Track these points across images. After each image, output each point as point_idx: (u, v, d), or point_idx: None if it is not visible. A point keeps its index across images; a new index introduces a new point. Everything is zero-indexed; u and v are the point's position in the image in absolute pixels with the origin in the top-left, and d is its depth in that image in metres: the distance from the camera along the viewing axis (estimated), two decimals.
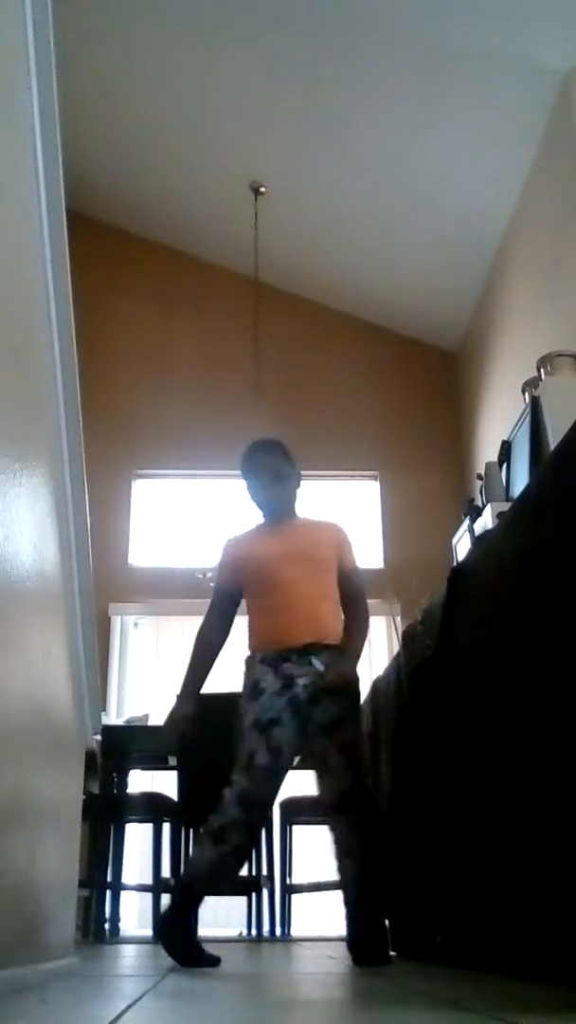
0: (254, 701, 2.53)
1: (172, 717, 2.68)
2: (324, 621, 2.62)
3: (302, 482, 2.88)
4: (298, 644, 2.56)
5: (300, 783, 4.71)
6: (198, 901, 2.46)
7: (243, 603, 2.77)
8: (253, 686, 2.56)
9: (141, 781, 5.09)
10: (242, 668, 2.66)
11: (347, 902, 2.49)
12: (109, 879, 3.97)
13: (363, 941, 2.40)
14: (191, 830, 4.06)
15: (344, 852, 2.47)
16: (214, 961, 2.29)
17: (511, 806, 1.80)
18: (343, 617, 2.69)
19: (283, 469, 2.80)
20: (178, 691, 2.71)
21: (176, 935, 2.38)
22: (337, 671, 2.52)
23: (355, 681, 2.58)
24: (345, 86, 5.40)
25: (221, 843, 2.39)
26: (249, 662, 2.64)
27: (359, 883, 2.47)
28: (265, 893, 4.17)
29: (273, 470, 2.78)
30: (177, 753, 3.90)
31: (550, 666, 1.62)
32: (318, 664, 2.55)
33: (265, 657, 2.59)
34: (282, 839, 4.28)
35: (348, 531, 2.83)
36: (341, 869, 2.49)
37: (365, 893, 2.47)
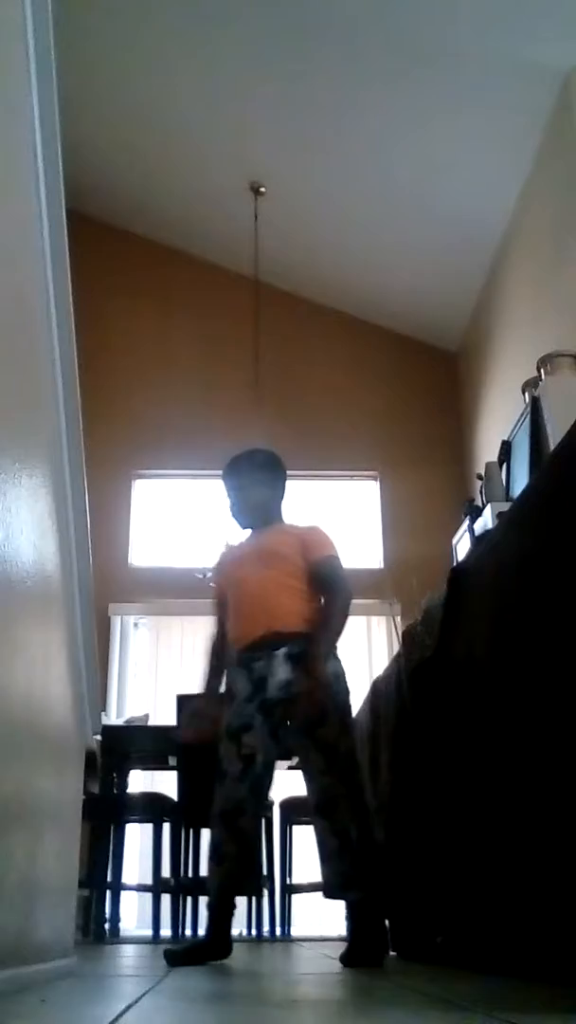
0: (228, 707, 2.58)
1: (195, 713, 2.72)
2: (278, 611, 2.60)
3: (286, 487, 2.91)
4: (256, 636, 2.59)
5: (300, 783, 4.72)
6: (230, 913, 2.51)
7: None
8: (228, 691, 2.62)
9: (141, 781, 5.10)
10: None
11: (347, 908, 2.50)
12: (109, 879, 3.97)
13: (352, 942, 2.41)
14: (191, 830, 4.06)
15: (327, 855, 2.46)
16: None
17: (511, 806, 1.80)
18: (318, 608, 2.66)
19: (240, 483, 2.83)
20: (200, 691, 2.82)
21: (219, 946, 2.46)
22: (305, 687, 2.47)
23: (322, 687, 2.48)
24: (345, 86, 5.40)
25: (222, 861, 2.45)
26: (229, 669, 2.70)
27: (348, 886, 2.45)
28: (265, 893, 4.17)
29: (234, 489, 2.84)
30: (179, 752, 3.90)
31: (550, 666, 1.62)
32: (281, 658, 2.55)
33: (239, 658, 2.63)
34: (282, 839, 4.29)
35: (323, 528, 2.82)
36: (324, 872, 2.50)
37: (358, 896, 2.46)
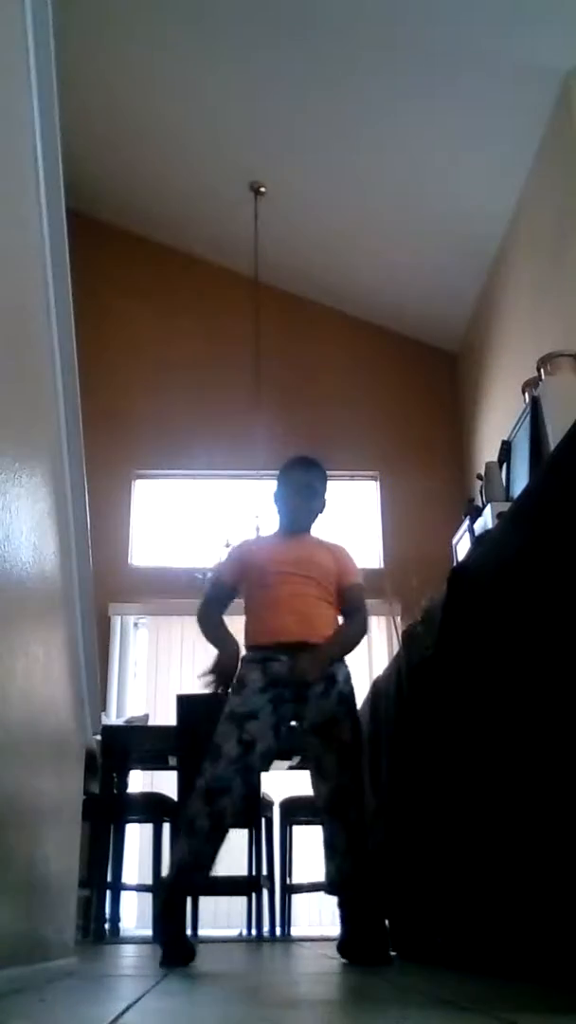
0: (236, 695, 2.60)
1: (221, 667, 2.68)
2: (317, 622, 2.69)
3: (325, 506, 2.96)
4: (286, 640, 2.63)
5: (300, 783, 4.71)
6: (182, 897, 2.51)
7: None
8: (239, 681, 2.63)
9: (141, 781, 5.10)
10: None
11: (341, 902, 2.51)
12: (109, 879, 3.97)
13: (359, 941, 2.43)
14: None
15: (336, 852, 2.50)
16: (189, 954, 2.33)
17: (511, 806, 1.80)
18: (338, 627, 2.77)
19: (316, 488, 2.89)
20: (220, 648, 2.75)
21: (167, 933, 2.42)
22: (297, 665, 2.57)
23: (312, 674, 2.57)
24: (345, 86, 5.39)
25: (191, 835, 2.43)
26: (242, 660, 2.69)
27: (353, 883, 2.50)
28: (265, 893, 4.16)
29: (308, 487, 2.87)
30: (179, 752, 3.90)
31: (550, 666, 1.62)
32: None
33: (254, 655, 2.66)
34: (282, 839, 4.29)
35: (351, 552, 2.92)
36: (330, 869, 2.52)
37: (360, 893, 2.49)
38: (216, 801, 2.45)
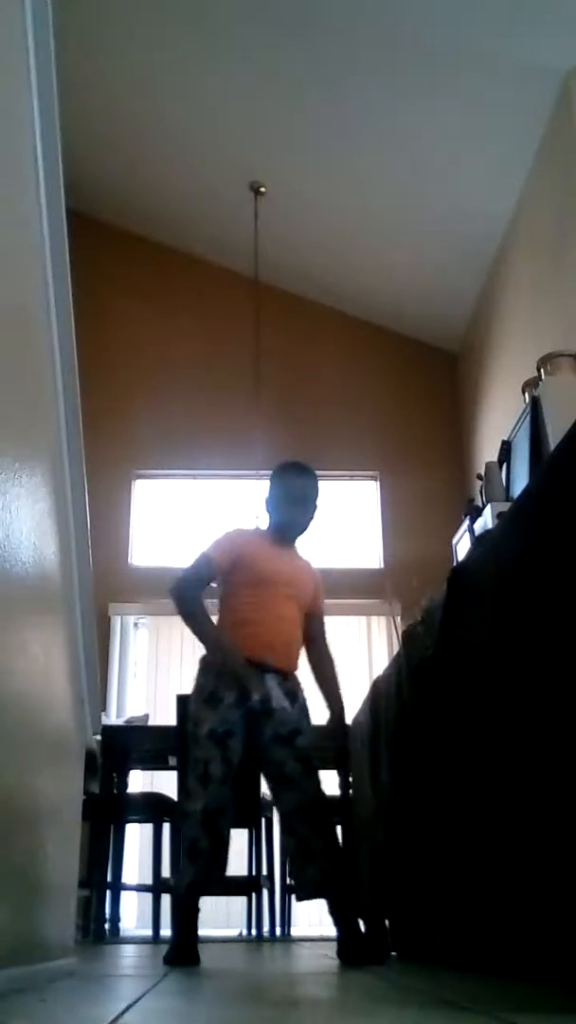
0: (211, 710, 2.62)
1: (235, 669, 2.65)
2: (292, 650, 2.79)
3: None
4: (264, 661, 2.67)
5: None
6: (195, 916, 2.58)
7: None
8: (212, 693, 2.64)
9: (141, 781, 5.10)
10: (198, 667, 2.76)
11: (332, 904, 2.55)
12: (109, 879, 3.97)
13: (350, 941, 2.47)
14: None
15: (314, 854, 2.55)
16: (193, 960, 2.45)
17: (511, 806, 1.80)
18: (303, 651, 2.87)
19: (311, 498, 2.87)
20: (215, 647, 2.72)
21: (182, 933, 2.52)
22: (335, 730, 2.84)
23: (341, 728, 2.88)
24: (345, 86, 5.39)
25: (197, 857, 2.53)
26: (209, 666, 2.70)
27: (338, 880, 2.55)
28: (265, 893, 4.16)
29: (304, 498, 2.85)
30: (179, 752, 3.90)
31: (550, 666, 1.62)
32: (280, 690, 2.67)
33: (231, 669, 2.65)
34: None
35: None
36: (310, 873, 2.57)
37: (347, 890, 2.55)
38: (215, 822, 2.55)
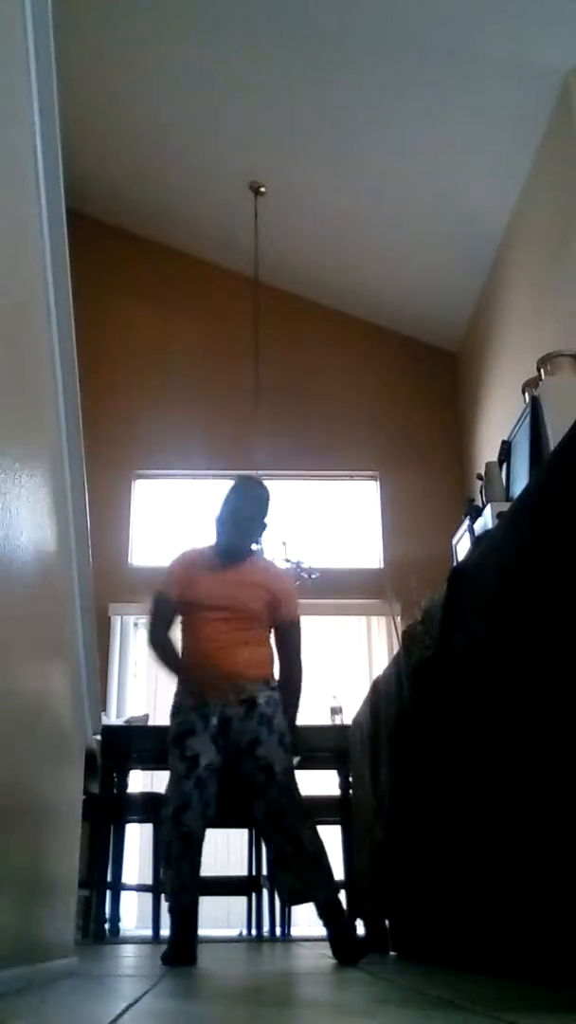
0: (174, 718, 2.74)
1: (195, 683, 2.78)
2: (239, 663, 2.74)
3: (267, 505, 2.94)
4: (212, 677, 2.71)
5: (300, 783, 4.71)
6: (188, 911, 2.62)
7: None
8: (176, 706, 2.77)
9: (141, 781, 5.10)
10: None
11: (320, 907, 2.56)
12: (109, 879, 3.97)
13: (341, 940, 2.49)
14: None
15: (289, 861, 2.57)
16: (190, 960, 2.50)
17: (511, 806, 1.80)
18: (270, 652, 2.84)
19: (254, 519, 2.87)
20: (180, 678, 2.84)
21: (181, 933, 2.57)
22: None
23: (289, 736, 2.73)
24: (345, 86, 5.39)
25: (169, 864, 2.61)
26: (178, 685, 2.81)
27: (314, 890, 2.56)
28: (265, 893, 4.16)
29: (251, 520, 2.86)
30: None
31: (550, 666, 1.62)
32: (235, 698, 2.70)
33: (189, 685, 2.76)
34: None
35: (290, 579, 2.96)
36: (287, 879, 2.59)
37: (326, 897, 2.56)
38: (181, 820, 2.59)
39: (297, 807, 2.61)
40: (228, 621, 2.76)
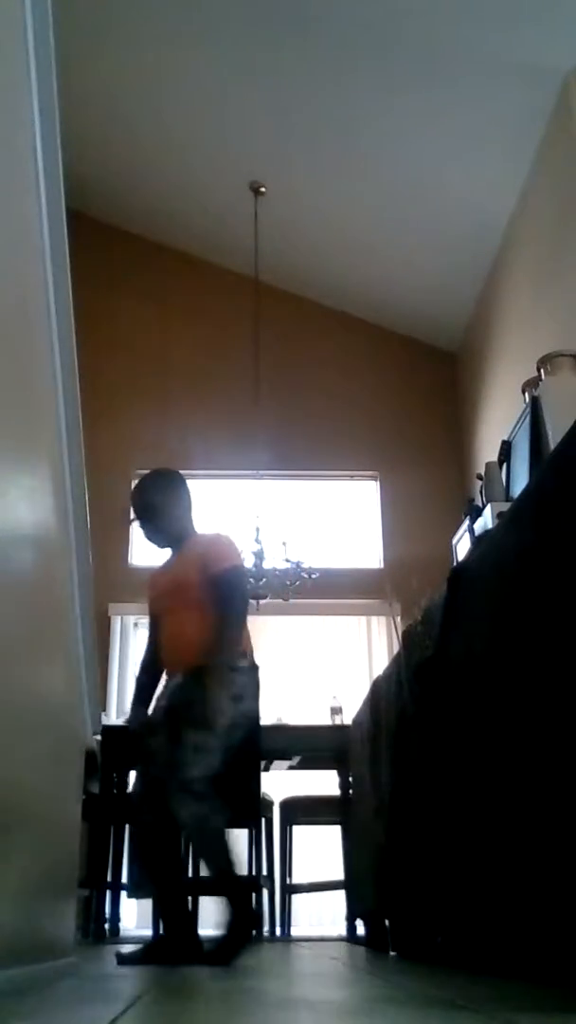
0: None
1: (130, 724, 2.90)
2: (182, 654, 2.71)
3: (190, 497, 2.96)
4: (171, 668, 2.78)
5: (300, 783, 4.71)
6: (176, 907, 2.65)
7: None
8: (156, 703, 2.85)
9: None
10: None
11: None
12: (109, 879, 3.97)
13: (161, 943, 2.64)
14: None
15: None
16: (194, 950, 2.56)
17: (511, 806, 1.80)
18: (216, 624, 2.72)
19: (148, 515, 2.88)
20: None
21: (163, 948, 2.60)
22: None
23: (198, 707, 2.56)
24: (345, 86, 5.39)
25: (134, 860, 2.81)
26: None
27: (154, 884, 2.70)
28: (265, 893, 4.16)
29: (140, 519, 2.91)
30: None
31: (550, 666, 1.62)
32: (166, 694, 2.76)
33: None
34: (282, 839, 4.28)
35: (227, 537, 2.84)
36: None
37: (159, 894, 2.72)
38: (141, 810, 2.65)
39: (179, 785, 2.49)
40: (173, 611, 2.77)
